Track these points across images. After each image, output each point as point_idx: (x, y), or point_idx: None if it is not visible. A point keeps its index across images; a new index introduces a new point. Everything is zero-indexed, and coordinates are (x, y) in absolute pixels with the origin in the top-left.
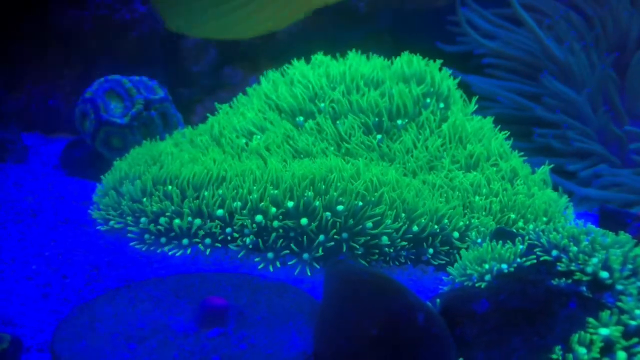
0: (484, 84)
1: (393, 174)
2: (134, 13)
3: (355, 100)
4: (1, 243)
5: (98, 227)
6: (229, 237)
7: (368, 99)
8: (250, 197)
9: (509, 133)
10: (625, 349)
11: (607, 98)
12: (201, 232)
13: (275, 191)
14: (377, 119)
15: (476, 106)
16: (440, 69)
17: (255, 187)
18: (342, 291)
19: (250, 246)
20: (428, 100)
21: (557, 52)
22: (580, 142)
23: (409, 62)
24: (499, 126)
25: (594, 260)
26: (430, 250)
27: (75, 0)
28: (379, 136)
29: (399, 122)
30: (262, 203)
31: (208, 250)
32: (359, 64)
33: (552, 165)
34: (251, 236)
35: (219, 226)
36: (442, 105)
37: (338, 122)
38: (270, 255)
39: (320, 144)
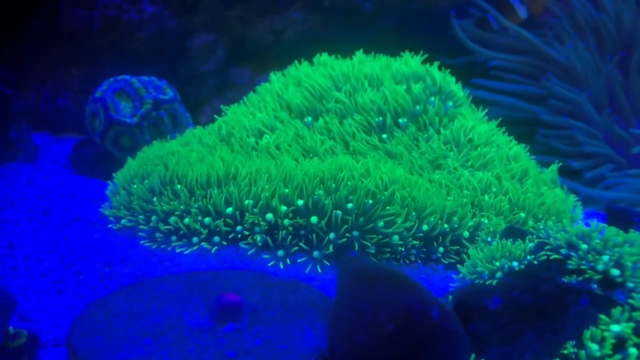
0: (486, 92)
1: (402, 172)
2: (143, 14)
3: (360, 100)
4: (15, 240)
5: (110, 225)
6: (239, 235)
7: (369, 98)
8: (263, 195)
9: (513, 137)
10: (637, 345)
11: (614, 99)
12: (205, 231)
13: (286, 190)
14: (380, 119)
15: (485, 109)
16: (439, 68)
17: (267, 186)
18: (357, 287)
19: (261, 244)
20: (432, 99)
21: (558, 55)
22: (589, 145)
23: (407, 62)
24: (504, 127)
25: (605, 258)
26: (441, 249)
27: (84, 1)
28: (384, 135)
29: (400, 121)
30: (273, 201)
31: (214, 249)
32: (363, 64)
33: (560, 164)
34: (262, 234)
35: (228, 224)
36: (450, 103)
37: (344, 121)
38: (280, 253)
39: (328, 143)
